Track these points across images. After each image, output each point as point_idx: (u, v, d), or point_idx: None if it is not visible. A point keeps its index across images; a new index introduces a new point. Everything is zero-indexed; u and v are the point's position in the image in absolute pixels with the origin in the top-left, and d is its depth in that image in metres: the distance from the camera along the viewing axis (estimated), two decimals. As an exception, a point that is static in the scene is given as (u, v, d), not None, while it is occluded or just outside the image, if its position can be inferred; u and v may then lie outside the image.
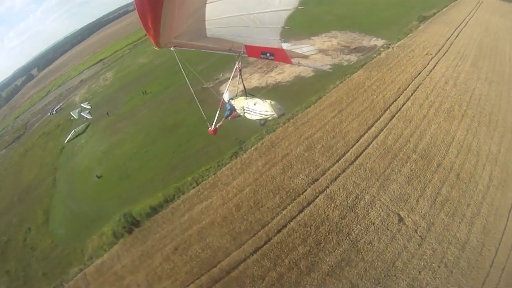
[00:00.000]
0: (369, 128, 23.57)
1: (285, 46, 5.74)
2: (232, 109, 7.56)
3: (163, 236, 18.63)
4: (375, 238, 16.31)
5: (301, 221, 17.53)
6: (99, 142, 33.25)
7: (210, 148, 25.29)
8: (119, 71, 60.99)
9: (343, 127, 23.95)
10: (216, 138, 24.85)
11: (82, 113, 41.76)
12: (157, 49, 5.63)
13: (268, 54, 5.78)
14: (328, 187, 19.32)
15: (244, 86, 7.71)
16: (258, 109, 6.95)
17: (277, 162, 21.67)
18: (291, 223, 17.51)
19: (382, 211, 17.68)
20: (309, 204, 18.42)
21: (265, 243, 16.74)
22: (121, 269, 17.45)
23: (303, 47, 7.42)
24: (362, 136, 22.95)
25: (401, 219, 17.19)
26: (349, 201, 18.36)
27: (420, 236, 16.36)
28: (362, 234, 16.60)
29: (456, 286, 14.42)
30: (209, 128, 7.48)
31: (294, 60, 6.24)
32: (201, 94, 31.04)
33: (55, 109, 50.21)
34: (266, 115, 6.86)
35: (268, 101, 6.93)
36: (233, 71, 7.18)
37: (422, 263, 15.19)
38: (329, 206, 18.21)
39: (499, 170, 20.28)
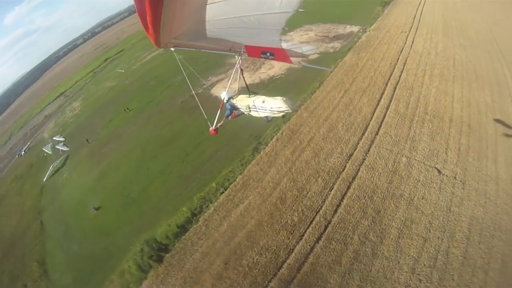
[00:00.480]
0: (379, 101, 24.22)
1: (284, 45, 5.75)
2: (233, 108, 7.51)
3: (205, 253, 16.15)
4: (426, 193, 16.53)
5: (353, 196, 16.74)
6: (86, 171, 28.95)
7: (224, 150, 23.56)
8: (87, 99, 55.66)
9: (355, 104, 24.24)
10: (227, 139, 23.57)
11: (56, 147, 36.49)
12: (159, 48, 5.54)
13: (268, 54, 5.78)
14: (364, 159, 19.00)
15: (246, 84, 7.65)
16: (268, 106, 6.94)
17: (305, 147, 20.82)
18: (344, 200, 16.59)
19: (422, 168, 17.96)
20: (354, 178, 17.80)
21: (326, 227, 15.48)
22: (165, 306, 14.59)
23: (302, 47, 7.47)
24: (375, 108, 23.43)
25: (439, 171, 17.72)
26: (389, 167, 18.23)
27: (461, 181, 17.06)
28: (413, 192, 16.63)
29: (505, 214, 15.03)
30: (210, 128, 7.48)
31: (294, 60, 6.26)
32: (191, 101, 29.70)
33: (23, 149, 43.47)
34: (279, 111, 6.90)
35: (279, 97, 6.92)
36: (233, 71, 7.15)
37: (472, 203, 15.79)
38: (373, 175, 17.81)
39: (499, 115, 22.12)
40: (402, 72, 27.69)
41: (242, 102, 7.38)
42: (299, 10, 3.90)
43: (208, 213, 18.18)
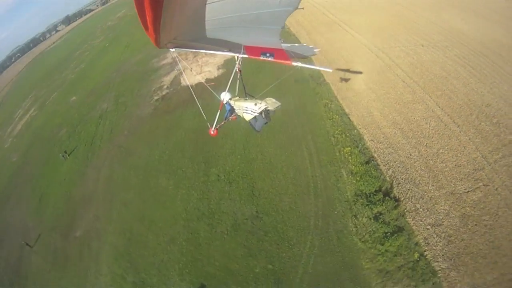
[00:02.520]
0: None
1: (284, 46, 5.87)
2: (232, 109, 7.60)
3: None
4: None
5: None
6: None
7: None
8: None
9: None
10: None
11: None
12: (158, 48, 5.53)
13: (268, 55, 5.91)
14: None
15: (244, 86, 7.74)
16: (257, 107, 7.16)
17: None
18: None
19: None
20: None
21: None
22: None
23: (303, 47, 7.68)
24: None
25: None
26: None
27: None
28: None
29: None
30: (210, 129, 7.49)
31: (294, 61, 6.24)
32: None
33: None
34: (271, 109, 7.24)
35: (270, 99, 7.31)
36: (233, 72, 7.12)
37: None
38: None
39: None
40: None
41: (239, 104, 7.51)
42: (299, 8, 4.05)
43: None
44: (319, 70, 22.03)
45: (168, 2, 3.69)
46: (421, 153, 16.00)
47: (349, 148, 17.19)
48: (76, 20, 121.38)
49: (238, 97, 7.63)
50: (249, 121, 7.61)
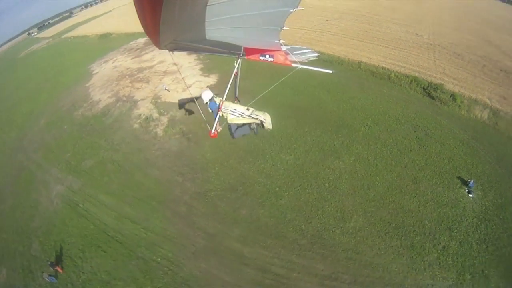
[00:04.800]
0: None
1: (284, 48, 5.91)
2: (216, 109, 7.38)
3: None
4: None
5: None
6: None
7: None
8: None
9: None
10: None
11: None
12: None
13: (267, 56, 5.96)
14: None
15: (235, 90, 7.74)
16: (248, 113, 7.20)
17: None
18: None
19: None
20: None
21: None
22: None
23: (303, 50, 7.75)
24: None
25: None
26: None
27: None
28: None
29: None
30: (209, 131, 7.42)
31: (293, 62, 6.43)
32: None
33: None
34: (257, 120, 7.29)
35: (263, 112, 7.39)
36: (232, 75, 7.12)
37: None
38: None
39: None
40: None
41: (227, 103, 7.47)
42: (299, 8, 4.08)
43: None
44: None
45: (168, 3, 3.71)
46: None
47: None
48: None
49: (224, 100, 7.47)
50: (229, 124, 7.48)
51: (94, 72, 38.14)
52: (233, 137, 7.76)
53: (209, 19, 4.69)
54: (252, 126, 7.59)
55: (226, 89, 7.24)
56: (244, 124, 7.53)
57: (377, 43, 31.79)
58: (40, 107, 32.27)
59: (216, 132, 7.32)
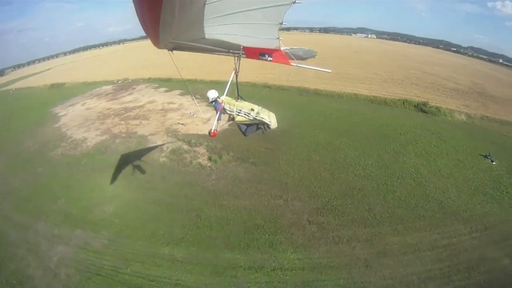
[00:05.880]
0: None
1: (283, 48, 5.95)
2: (223, 109, 7.59)
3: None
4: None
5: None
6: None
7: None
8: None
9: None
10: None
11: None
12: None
13: (266, 55, 5.84)
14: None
15: (237, 88, 7.85)
16: (254, 114, 7.31)
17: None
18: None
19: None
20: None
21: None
22: None
23: (302, 49, 7.94)
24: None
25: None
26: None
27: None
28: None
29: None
30: (209, 130, 7.49)
31: (292, 62, 6.49)
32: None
33: None
34: (263, 122, 7.41)
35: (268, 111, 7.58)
36: (232, 74, 7.18)
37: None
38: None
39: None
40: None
41: (230, 104, 7.56)
42: (297, 2, 4.11)
43: None
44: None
45: (167, 3, 3.63)
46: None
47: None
48: None
49: (229, 98, 7.60)
50: (238, 124, 7.61)
51: (60, 114, 35.60)
52: (245, 135, 7.95)
53: (208, 17, 4.64)
54: (259, 126, 7.61)
55: (226, 87, 7.26)
56: (251, 124, 7.58)
57: (355, 81, 39.43)
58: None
59: (215, 131, 7.38)
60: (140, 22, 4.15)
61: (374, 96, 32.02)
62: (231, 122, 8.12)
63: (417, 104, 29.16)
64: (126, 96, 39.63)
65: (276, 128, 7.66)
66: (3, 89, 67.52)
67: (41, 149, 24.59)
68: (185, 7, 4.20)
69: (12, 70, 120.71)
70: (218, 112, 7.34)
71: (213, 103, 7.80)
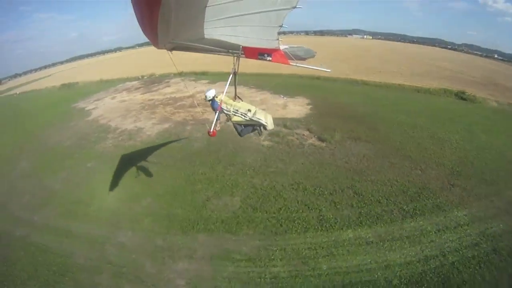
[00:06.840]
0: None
1: (282, 47, 5.99)
2: (217, 109, 7.50)
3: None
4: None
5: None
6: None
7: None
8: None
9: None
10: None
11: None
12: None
13: (266, 55, 5.90)
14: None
15: (235, 88, 7.85)
16: (251, 114, 7.25)
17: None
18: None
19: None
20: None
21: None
22: None
23: (301, 49, 7.83)
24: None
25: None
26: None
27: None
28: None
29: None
30: (208, 130, 7.43)
31: (291, 61, 6.40)
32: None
33: None
34: (259, 123, 7.36)
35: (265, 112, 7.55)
36: (231, 74, 7.19)
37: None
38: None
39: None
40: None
41: (228, 104, 7.51)
42: (297, 7, 4.10)
43: None
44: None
45: (166, 3, 3.70)
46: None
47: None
48: None
49: (227, 97, 7.54)
50: (234, 123, 7.56)
51: (88, 108, 32.73)
52: (240, 136, 7.93)
53: (208, 19, 4.77)
54: (255, 127, 7.59)
55: (225, 87, 7.22)
56: (248, 125, 7.54)
57: (387, 75, 40.58)
58: (12, 148, 23.01)
59: (215, 131, 7.34)
60: (139, 23, 4.24)
61: (417, 86, 33.66)
62: (228, 122, 8.03)
63: (457, 92, 30.77)
64: (164, 88, 37.00)
65: (273, 129, 7.41)
66: (3, 95, 64.28)
67: (81, 143, 21.55)
68: (184, 8, 4.30)
69: (9, 80, 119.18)
70: (218, 111, 7.37)
71: (210, 102, 7.75)
